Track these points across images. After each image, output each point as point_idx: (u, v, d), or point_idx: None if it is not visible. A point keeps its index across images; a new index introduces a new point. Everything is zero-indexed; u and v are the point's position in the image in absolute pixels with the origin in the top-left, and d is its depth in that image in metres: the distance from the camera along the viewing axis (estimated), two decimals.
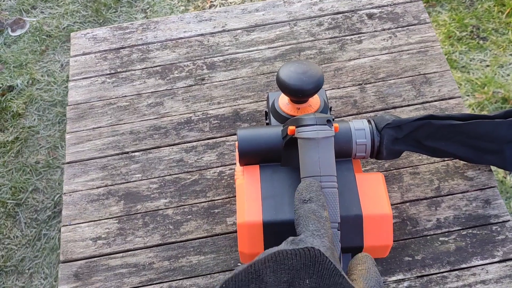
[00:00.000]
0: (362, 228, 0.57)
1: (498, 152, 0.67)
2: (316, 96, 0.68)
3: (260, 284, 0.31)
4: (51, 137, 1.68)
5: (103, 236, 0.68)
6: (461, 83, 1.69)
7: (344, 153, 0.61)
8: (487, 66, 1.72)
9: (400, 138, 0.62)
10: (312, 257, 0.31)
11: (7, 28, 1.93)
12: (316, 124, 0.53)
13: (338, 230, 0.51)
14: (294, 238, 0.34)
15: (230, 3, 1.94)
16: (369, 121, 0.62)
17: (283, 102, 0.68)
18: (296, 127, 0.54)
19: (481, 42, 1.77)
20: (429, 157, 0.72)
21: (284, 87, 0.63)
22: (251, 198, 0.58)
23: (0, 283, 1.46)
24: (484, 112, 1.63)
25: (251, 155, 0.60)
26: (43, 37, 1.89)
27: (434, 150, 0.65)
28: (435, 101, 0.76)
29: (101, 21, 1.92)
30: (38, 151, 1.67)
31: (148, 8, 1.95)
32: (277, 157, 0.60)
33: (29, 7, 1.99)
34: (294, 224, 0.54)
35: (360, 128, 0.61)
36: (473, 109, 1.64)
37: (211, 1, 1.95)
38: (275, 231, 0.56)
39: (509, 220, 0.67)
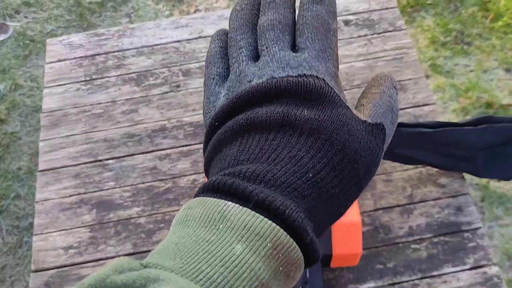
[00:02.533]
0: (331, 236, 0.57)
1: (470, 159, 0.67)
2: None
3: (251, 112, 0.26)
4: (34, 143, 1.67)
5: (74, 245, 0.68)
6: (445, 88, 1.70)
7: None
8: (471, 71, 1.74)
9: None
10: (316, 88, 0.27)
11: None
12: None
13: None
14: (295, 56, 0.28)
15: (215, 7, 1.94)
16: None
17: None
18: None
19: (465, 47, 1.78)
20: (401, 164, 0.72)
21: None
22: None
23: None
24: (468, 117, 1.64)
25: None
26: (27, 42, 1.88)
27: (405, 158, 0.66)
28: (410, 107, 0.77)
29: (85, 25, 1.91)
30: (20, 157, 1.66)
31: (132, 12, 1.95)
32: None
33: (12, 11, 1.97)
34: None
35: None
36: (457, 114, 1.65)
37: (196, 6, 1.95)
38: None
39: (480, 227, 0.68)
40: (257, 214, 0.22)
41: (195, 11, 1.94)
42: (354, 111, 0.28)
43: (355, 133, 0.26)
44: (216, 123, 0.28)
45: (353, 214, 0.57)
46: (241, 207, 0.23)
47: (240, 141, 0.26)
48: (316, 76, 0.27)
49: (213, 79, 0.29)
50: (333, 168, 0.25)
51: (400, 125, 0.62)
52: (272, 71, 0.27)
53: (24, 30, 1.92)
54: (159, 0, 1.97)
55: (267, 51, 0.28)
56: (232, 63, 0.29)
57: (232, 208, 0.23)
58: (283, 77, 0.27)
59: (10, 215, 1.56)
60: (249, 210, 0.23)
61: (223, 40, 0.31)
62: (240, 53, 0.29)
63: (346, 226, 0.57)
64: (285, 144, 0.25)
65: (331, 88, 0.27)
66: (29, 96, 1.76)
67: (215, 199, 0.23)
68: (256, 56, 0.29)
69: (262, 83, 0.27)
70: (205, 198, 0.24)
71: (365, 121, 0.27)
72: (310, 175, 0.24)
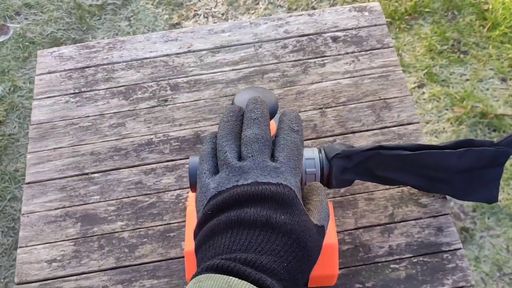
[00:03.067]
0: None
1: (448, 181, 0.68)
2: (272, 122, 0.69)
3: (242, 213, 0.35)
4: None
5: (58, 258, 0.69)
6: (440, 97, 1.70)
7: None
8: (467, 80, 1.74)
9: (349, 168, 0.63)
10: (290, 198, 0.36)
11: None
12: None
13: None
14: (275, 167, 0.37)
15: (215, 12, 1.94)
16: (320, 150, 0.63)
17: None
18: None
19: (461, 56, 1.79)
20: (387, 185, 0.72)
21: None
22: None
23: None
24: (462, 126, 1.64)
25: None
26: (26, 43, 1.89)
27: (385, 179, 0.66)
28: (394, 126, 0.77)
29: (84, 28, 1.92)
30: (18, 159, 1.67)
31: (132, 16, 1.95)
32: None
33: (13, 13, 1.99)
34: None
35: (310, 158, 0.61)
36: (451, 123, 1.65)
37: (195, 10, 1.95)
38: None
39: (460, 248, 0.68)
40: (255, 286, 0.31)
41: (194, 15, 1.94)
42: (311, 218, 0.37)
43: (311, 234, 0.36)
44: (209, 212, 0.36)
45: (330, 236, 0.58)
46: (243, 281, 0.31)
47: (231, 233, 0.34)
48: (290, 188, 0.36)
49: (205, 173, 0.38)
50: (299, 260, 0.35)
51: (380, 147, 0.63)
52: (256, 176, 0.36)
53: (24, 31, 1.93)
54: (158, 4, 1.98)
55: (253, 159, 0.37)
56: (220, 164, 0.37)
57: (236, 281, 0.31)
58: (266, 182, 0.36)
59: (6, 217, 1.58)
60: (249, 283, 0.31)
61: (214, 142, 0.40)
62: (226, 156, 0.37)
63: (323, 247, 0.58)
64: (267, 240, 0.34)
65: (298, 199, 0.37)
66: (28, 98, 1.77)
67: (222, 275, 0.31)
68: (239, 159, 0.37)
69: (250, 187, 0.35)
70: (212, 274, 0.32)
71: (316, 225, 0.37)
72: (285, 264, 0.34)
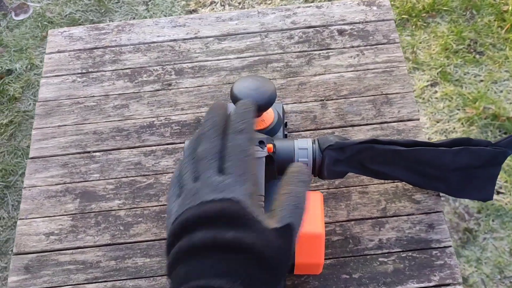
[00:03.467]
0: (295, 246, 0.59)
1: (443, 179, 0.68)
2: (270, 111, 0.70)
3: (190, 239, 0.34)
4: None
5: (56, 232, 0.71)
6: (453, 97, 1.69)
7: (285, 170, 0.62)
8: (481, 81, 1.72)
9: (342, 160, 0.63)
10: (234, 211, 0.35)
11: (10, 12, 1.97)
12: None
13: None
14: (221, 180, 0.36)
15: (231, 1, 1.95)
16: (313, 141, 0.64)
17: None
18: None
19: (477, 56, 1.76)
20: (380, 179, 0.73)
21: (235, 102, 0.65)
22: None
23: None
24: (473, 127, 1.63)
25: None
26: (45, 23, 1.92)
27: (378, 173, 0.67)
28: (394, 122, 0.78)
29: (102, 10, 1.95)
30: (31, 135, 1.71)
31: (150, 0, 1.97)
32: None
33: None
34: None
35: (303, 147, 0.62)
36: (462, 123, 1.64)
37: None
38: None
39: (450, 246, 0.69)
40: None
41: (211, 3, 1.95)
42: (266, 219, 0.35)
43: (268, 242, 0.34)
44: (170, 240, 0.36)
45: (317, 226, 0.59)
46: None
47: (184, 264, 0.34)
48: (235, 200, 0.35)
49: (171, 197, 0.37)
50: (256, 273, 0.34)
51: (374, 141, 0.63)
52: (203, 196, 0.35)
53: (43, 11, 1.96)
54: None
55: (201, 177, 0.36)
56: (181, 187, 0.37)
57: None
58: (210, 201, 0.35)
59: (17, 191, 1.62)
60: None
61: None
62: (184, 179, 0.37)
63: (309, 237, 0.59)
64: (218, 262, 0.33)
65: (246, 210, 0.35)
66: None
67: None
68: (195, 180, 0.37)
69: (196, 209, 0.35)
70: None
71: (275, 228, 0.35)
72: (239, 281, 0.33)
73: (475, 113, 1.65)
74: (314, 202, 0.61)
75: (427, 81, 1.74)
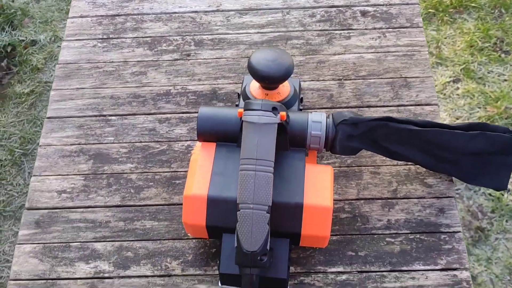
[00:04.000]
0: (302, 216, 0.59)
1: (456, 163, 0.67)
2: (287, 84, 0.70)
3: None
4: None
5: (68, 190, 0.72)
6: (474, 94, 1.66)
7: (298, 143, 0.62)
8: (505, 80, 1.69)
9: (355, 136, 0.63)
10: None
11: None
12: (261, 110, 0.55)
13: (267, 213, 0.53)
14: None
15: None
16: (328, 116, 0.64)
17: (255, 86, 0.69)
18: (244, 111, 0.56)
19: (503, 55, 1.73)
20: (392, 159, 0.72)
21: (253, 72, 0.65)
22: (201, 172, 0.61)
23: None
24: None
25: (209, 132, 0.62)
26: None
27: (391, 152, 0.66)
28: (411, 105, 0.77)
29: None
30: (49, 96, 1.73)
31: None
32: (234, 137, 0.62)
33: None
34: (236, 203, 0.56)
35: (317, 121, 0.62)
36: (482, 121, 1.61)
37: None
38: (218, 207, 0.59)
39: (459, 232, 0.68)
40: None
41: None
42: None
43: None
44: None
45: (326, 199, 0.59)
46: None
47: None
48: None
49: None
50: None
51: (389, 119, 0.63)
52: None
53: None
54: None
55: None
56: None
57: None
58: None
59: (34, 159, 1.64)
60: None
61: None
62: None
63: (317, 209, 0.59)
64: None
65: None
66: None
67: None
68: None
69: None
70: None
71: None
72: None
73: (496, 112, 1.62)
74: (324, 175, 0.61)
75: (450, 77, 1.71)
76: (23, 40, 1.85)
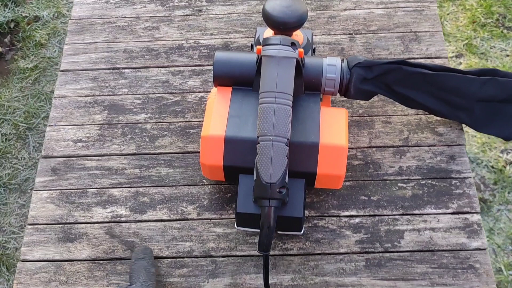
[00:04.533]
0: (317, 156, 0.60)
1: (468, 109, 0.68)
2: (300, 34, 0.70)
3: None
4: None
5: (83, 139, 0.73)
6: None
7: (313, 86, 0.63)
8: (507, 55, 1.70)
9: (369, 79, 0.64)
10: None
11: None
12: (280, 44, 0.56)
13: (286, 145, 0.54)
14: (127, 287, 0.54)
15: None
16: (342, 60, 0.64)
17: (268, 35, 0.70)
18: (262, 46, 0.57)
19: (505, 31, 1.74)
20: (403, 109, 0.73)
21: (267, 18, 0.65)
22: (218, 114, 0.62)
23: (3, 198, 1.55)
24: None
25: (225, 76, 0.63)
26: None
27: (403, 97, 0.67)
28: (421, 58, 0.78)
29: None
30: (55, 81, 1.73)
31: None
32: (249, 81, 0.63)
33: None
34: (253, 142, 0.57)
35: (332, 64, 0.63)
36: None
37: None
38: (235, 147, 0.60)
39: (470, 177, 0.69)
40: None
41: None
42: None
43: None
44: None
45: (341, 138, 0.60)
46: None
47: None
48: None
49: None
50: None
51: (403, 62, 0.64)
52: None
53: None
54: None
55: None
56: None
57: None
58: None
59: (39, 133, 1.65)
60: None
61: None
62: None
63: (333, 148, 0.60)
64: None
65: None
66: None
67: None
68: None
69: None
70: None
71: None
72: None
73: None
74: (339, 116, 0.62)
75: (452, 52, 1.72)
76: (26, 16, 1.85)
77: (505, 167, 1.56)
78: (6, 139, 1.66)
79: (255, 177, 0.55)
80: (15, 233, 1.51)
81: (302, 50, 0.57)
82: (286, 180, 0.55)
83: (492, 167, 1.56)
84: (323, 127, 0.60)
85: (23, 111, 1.69)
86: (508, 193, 1.51)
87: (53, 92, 1.72)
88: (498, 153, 1.58)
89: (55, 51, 1.79)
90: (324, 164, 0.60)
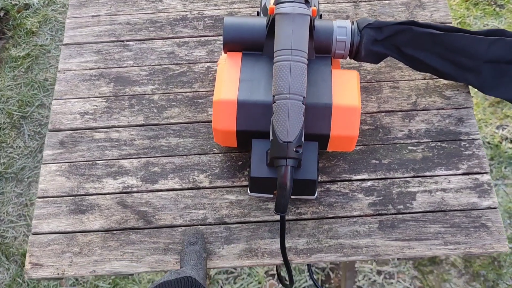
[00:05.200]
0: (331, 117, 0.60)
1: (476, 70, 0.68)
2: None
3: None
4: None
5: (90, 112, 0.72)
6: None
7: (324, 49, 0.63)
8: None
9: (379, 40, 0.64)
10: (189, 282, 0.50)
11: None
12: (294, 1, 0.55)
13: (302, 103, 0.54)
14: (177, 270, 0.55)
15: None
16: (352, 22, 0.64)
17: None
18: (276, 5, 0.57)
19: (497, 9, 1.76)
20: (410, 74, 0.74)
21: None
22: (229, 79, 0.61)
23: None
24: None
25: (235, 41, 0.63)
26: None
27: (412, 59, 0.67)
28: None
29: None
30: (48, 69, 1.71)
31: None
32: (259, 45, 0.62)
33: None
34: (265, 106, 0.57)
35: (342, 26, 0.63)
36: None
37: None
38: (248, 110, 0.59)
39: (478, 139, 0.70)
40: None
41: None
42: None
43: None
44: None
45: (353, 98, 0.60)
46: None
47: None
48: (190, 277, 0.52)
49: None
50: None
51: (412, 23, 0.64)
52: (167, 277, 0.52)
53: None
54: None
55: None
56: None
57: None
58: (174, 279, 0.52)
59: (33, 122, 1.63)
60: None
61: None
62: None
63: (346, 109, 0.60)
64: None
65: (200, 283, 0.52)
66: (61, 12, 1.80)
67: None
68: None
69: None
70: None
71: None
72: None
73: None
74: (351, 78, 0.62)
75: None
76: (16, 4, 1.82)
77: (501, 143, 1.57)
78: (0, 128, 1.64)
79: (271, 137, 0.55)
80: (13, 222, 1.50)
81: (315, 8, 0.57)
82: (303, 138, 0.55)
83: (489, 143, 1.58)
84: (335, 88, 0.60)
85: (17, 99, 1.67)
86: (505, 168, 1.53)
87: (46, 80, 1.70)
88: (494, 129, 1.60)
89: (47, 38, 1.76)
90: (338, 125, 0.60)
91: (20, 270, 1.43)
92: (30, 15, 1.81)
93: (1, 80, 1.72)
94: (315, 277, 0.71)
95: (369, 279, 1.43)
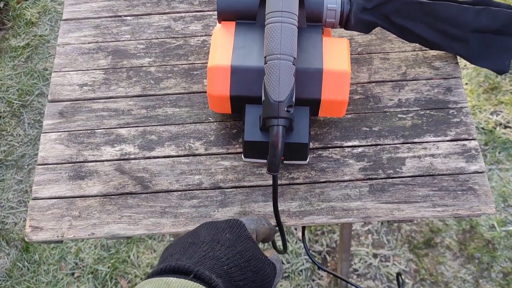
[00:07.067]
0: (322, 82, 0.62)
1: (464, 40, 0.70)
2: None
3: (195, 237, 0.47)
4: None
5: (89, 83, 0.74)
6: None
7: (314, 18, 0.65)
8: None
9: (368, 9, 0.66)
10: (236, 223, 0.49)
11: None
12: None
13: (293, 64, 0.56)
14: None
15: None
16: None
17: None
18: None
19: None
20: (400, 45, 0.76)
21: None
22: (223, 47, 0.63)
23: (0, 175, 1.55)
24: None
25: (228, 11, 0.65)
26: None
27: (402, 29, 0.69)
28: None
29: None
30: (47, 59, 1.73)
31: None
32: (253, 15, 0.65)
33: None
34: (258, 71, 0.59)
35: None
36: None
37: None
38: (241, 75, 0.61)
39: (466, 107, 0.72)
40: (194, 282, 0.40)
41: None
42: (258, 247, 0.50)
43: (257, 254, 0.48)
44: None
45: (343, 64, 0.62)
46: (180, 279, 0.39)
47: (183, 249, 0.45)
48: (241, 222, 0.50)
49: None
50: (241, 269, 0.45)
51: None
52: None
53: None
54: None
55: None
56: None
57: (174, 279, 0.39)
58: (211, 221, 0.52)
59: (33, 110, 1.65)
60: (185, 280, 0.39)
61: None
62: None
63: (336, 74, 0.61)
64: (211, 250, 0.45)
65: (245, 227, 0.50)
66: (60, 3, 1.83)
67: (160, 277, 0.40)
68: None
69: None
70: (153, 278, 0.40)
71: (265, 256, 0.50)
72: (225, 267, 0.44)
73: None
74: (341, 45, 0.64)
75: None
76: None
77: (495, 128, 1.59)
78: (0, 116, 1.66)
79: (263, 98, 0.57)
80: (14, 208, 1.52)
81: None
82: (294, 99, 0.57)
83: (483, 128, 1.60)
84: (326, 54, 0.62)
85: (17, 88, 1.69)
86: (499, 153, 1.55)
87: (46, 70, 1.72)
88: (488, 115, 1.62)
89: (46, 29, 1.79)
90: (328, 89, 0.62)
91: (20, 255, 1.45)
92: (29, 6, 1.83)
93: (1, 70, 1.74)
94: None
95: (365, 262, 1.45)
